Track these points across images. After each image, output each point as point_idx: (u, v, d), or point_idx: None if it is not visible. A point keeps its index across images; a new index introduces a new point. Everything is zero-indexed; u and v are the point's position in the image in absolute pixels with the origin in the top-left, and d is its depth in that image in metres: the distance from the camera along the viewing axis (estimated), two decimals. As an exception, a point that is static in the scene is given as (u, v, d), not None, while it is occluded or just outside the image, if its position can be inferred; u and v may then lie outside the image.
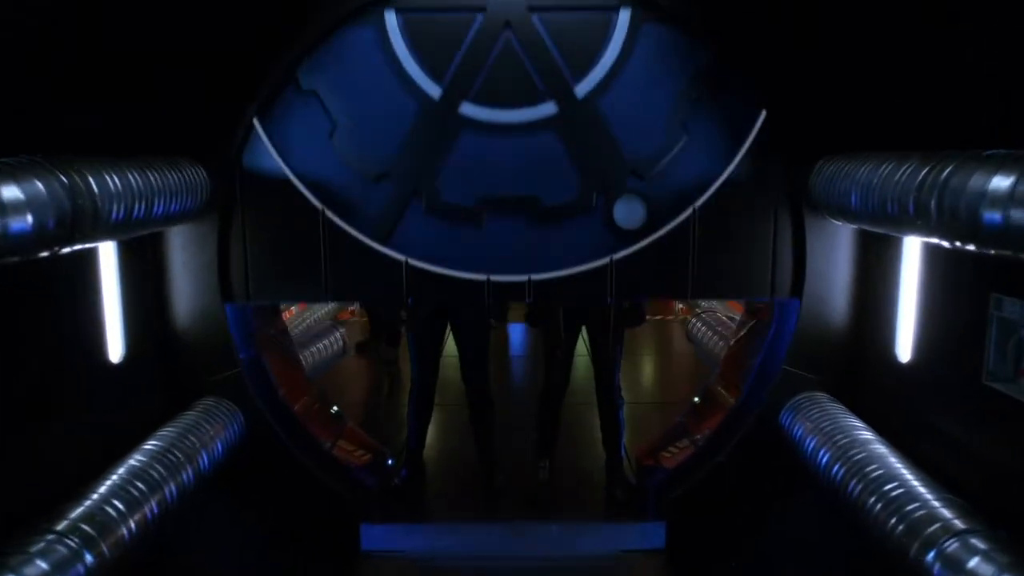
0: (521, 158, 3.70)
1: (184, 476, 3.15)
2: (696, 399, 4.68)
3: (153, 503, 2.87)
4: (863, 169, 3.07)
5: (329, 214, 3.73)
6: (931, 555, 2.48)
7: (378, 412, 6.26)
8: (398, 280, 3.77)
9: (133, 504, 2.77)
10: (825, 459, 3.26)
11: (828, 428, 3.41)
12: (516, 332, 8.79)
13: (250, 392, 3.93)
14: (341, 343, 5.92)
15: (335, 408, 4.70)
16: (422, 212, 3.74)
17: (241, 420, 3.85)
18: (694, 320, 6.07)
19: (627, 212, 3.72)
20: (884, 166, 2.91)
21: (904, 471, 2.89)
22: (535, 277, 3.76)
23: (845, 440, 3.25)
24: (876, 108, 3.43)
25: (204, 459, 3.33)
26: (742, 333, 4.57)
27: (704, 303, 6.97)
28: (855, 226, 3.42)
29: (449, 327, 4.52)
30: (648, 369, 7.56)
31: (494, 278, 3.76)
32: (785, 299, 3.84)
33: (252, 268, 3.79)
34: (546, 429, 4.66)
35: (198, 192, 3.50)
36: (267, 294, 3.91)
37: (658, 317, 10.42)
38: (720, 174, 3.71)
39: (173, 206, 3.25)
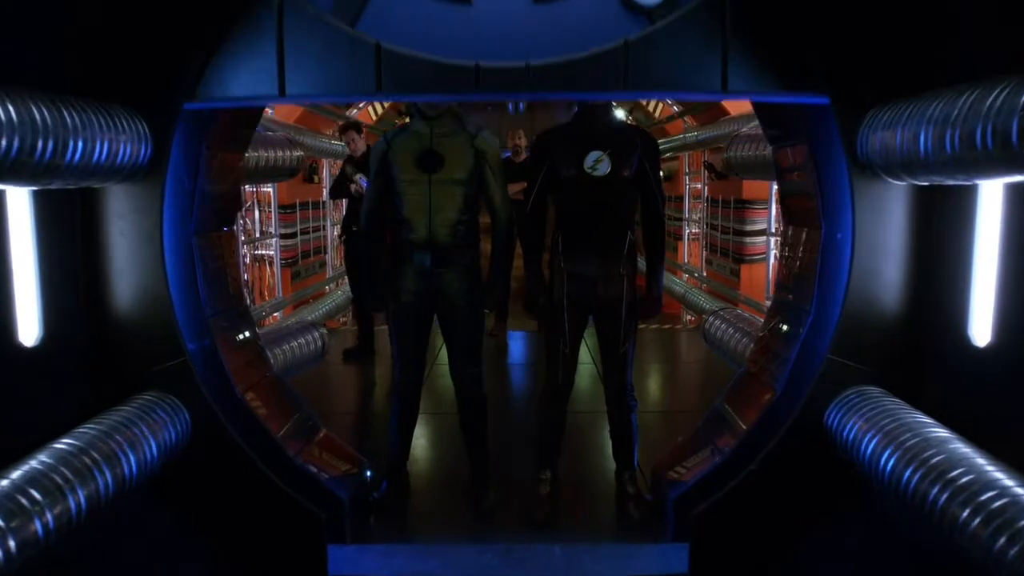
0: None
1: (99, 483, 2.54)
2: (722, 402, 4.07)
3: (49, 515, 2.26)
4: (936, 105, 2.51)
5: None
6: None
7: (367, 423, 5.66)
8: (368, 69, 3.07)
9: (19, 515, 2.17)
10: (890, 464, 2.65)
11: (890, 427, 2.80)
12: (516, 340, 8.21)
13: (199, 386, 3.34)
14: (319, 344, 5.31)
15: (306, 410, 4.09)
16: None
17: (186, 419, 3.25)
18: (711, 319, 5.48)
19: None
20: (966, 96, 2.36)
21: (1002, 476, 2.28)
22: (533, 62, 3.08)
23: (915, 440, 2.64)
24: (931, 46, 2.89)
25: (131, 463, 2.73)
26: (776, 318, 3.97)
27: (712, 308, 6.41)
28: (919, 181, 2.84)
29: (437, 316, 3.92)
30: (655, 378, 6.97)
31: (484, 64, 3.05)
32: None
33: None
34: (548, 437, 4.04)
35: (134, 145, 2.94)
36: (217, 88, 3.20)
37: (666, 326, 9.86)
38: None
39: (99, 155, 2.69)
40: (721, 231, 9.75)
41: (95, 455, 2.59)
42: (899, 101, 2.82)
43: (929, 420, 2.79)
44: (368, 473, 4.03)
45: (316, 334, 5.35)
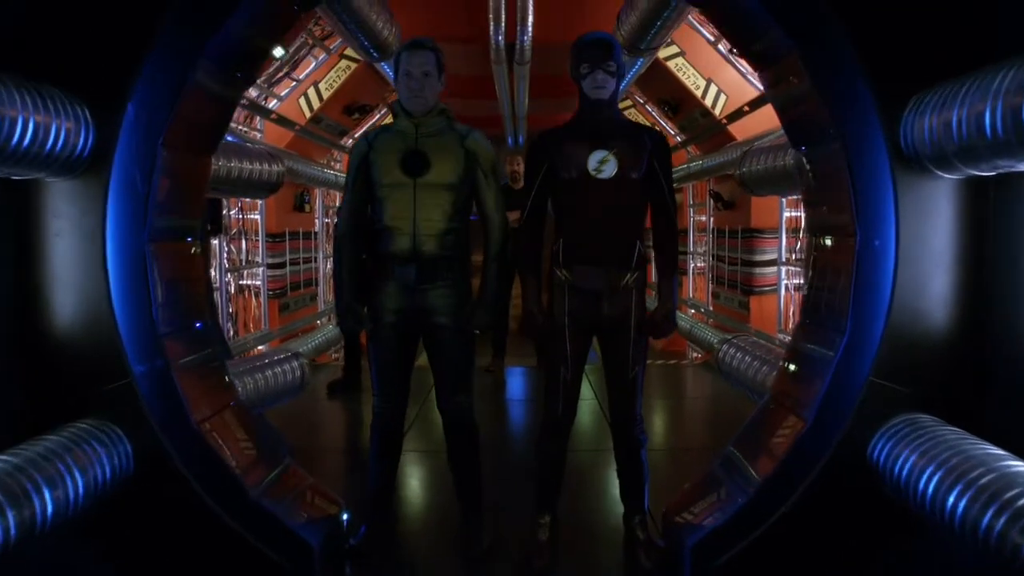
0: None
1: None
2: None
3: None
4: (1006, 75, 2.13)
5: None
6: None
7: (349, 461, 5.18)
8: None
9: None
10: (961, 505, 2.20)
11: (953, 460, 2.36)
12: (514, 375, 7.76)
13: (145, 413, 2.90)
14: (298, 374, 4.87)
15: (276, 444, 3.63)
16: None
17: (127, 451, 2.80)
18: (725, 347, 5.04)
19: None
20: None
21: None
22: None
23: (989, 477, 2.19)
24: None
25: (45, 503, 2.28)
26: (801, 340, 3.53)
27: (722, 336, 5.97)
28: (982, 171, 2.44)
29: (422, 337, 3.49)
30: (661, 414, 6.48)
31: None
32: None
33: None
34: (547, 475, 3.57)
35: (71, 131, 2.56)
36: None
37: (672, 362, 9.41)
38: None
39: (20, 138, 2.30)
40: (728, 262, 9.36)
41: (-1, 493, 2.13)
42: (950, 80, 2.44)
43: (1002, 452, 2.34)
44: (345, 516, 3.56)
45: (295, 364, 4.91)
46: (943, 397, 2.83)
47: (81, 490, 2.44)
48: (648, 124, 7.96)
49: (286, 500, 3.38)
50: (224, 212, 7.57)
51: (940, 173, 2.61)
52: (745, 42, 3.49)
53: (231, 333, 7.83)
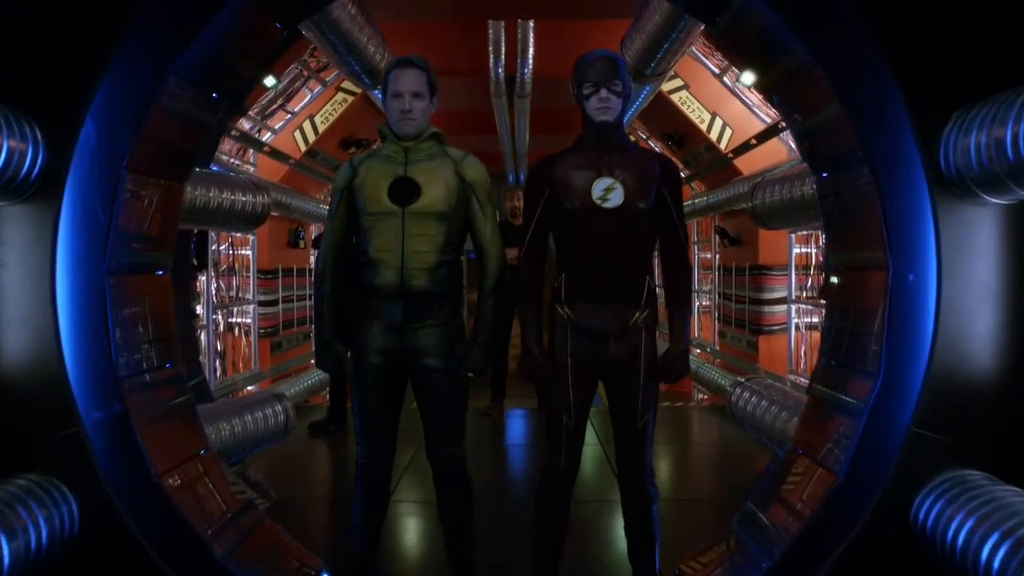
0: None
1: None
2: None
3: None
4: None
5: None
6: None
7: (332, 513, 4.82)
8: None
9: None
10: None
11: (1011, 525, 2.03)
12: (514, 418, 7.41)
13: (95, 467, 2.58)
14: (282, 418, 4.55)
15: (247, 498, 3.30)
16: None
17: (73, 511, 2.48)
18: (738, 390, 4.72)
19: None
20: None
21: None
22: None
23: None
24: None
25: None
26: (825, 384, 3.21)
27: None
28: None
29: (410, 381, 3.18)
30: (666, 460, 6.10)
31: None
32: None
33: None
34: (548, 532, 3.22)
35: (18, 151, 2.29)
36: None
37: (678, 404, 9.05)
38: None
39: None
40: (735, 300, 9.06)
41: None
42: (998, 93, 2.18)
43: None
44: (323, 577, 3.22)
45: (278, 407, 4.59)
46: (993, 449, 2.50)
47: (7, 559, 2.11)
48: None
49: (258, 565, 3.03)
50: (214, 247, 7.33)
51: (987, 197, 2.33)
52: (760, 63, 3.24)
53: (218, 373, 7.52)
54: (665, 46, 3.90)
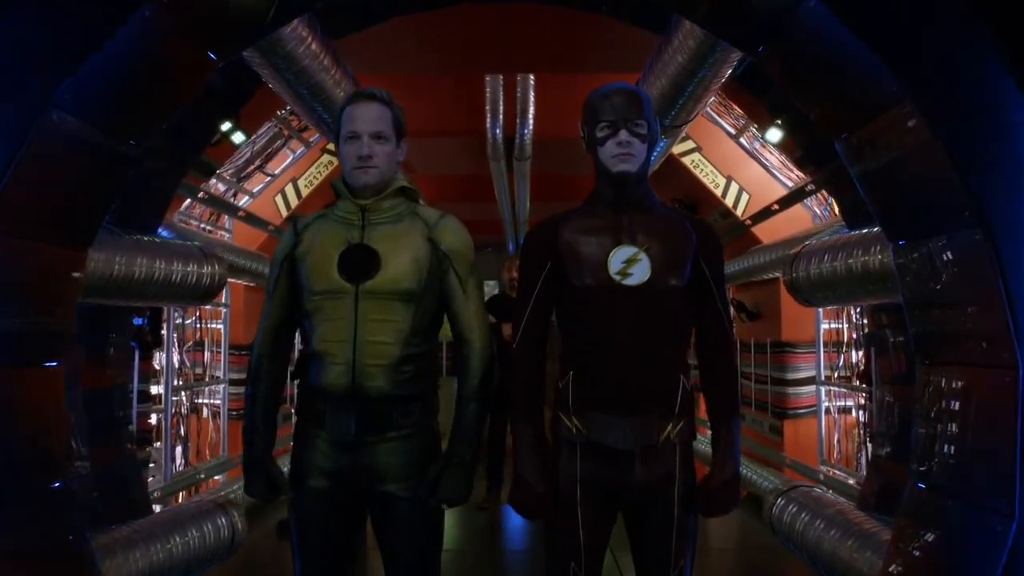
0: None
1: None
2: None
3: None
4: None
5: None
6: None
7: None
8: None
9: None
10: None
11: None
12: (515, 514, 6.50)
13: None
14: (227, 532, 3.73)
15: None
16: None
17: None
18: (782, 501, 3.90)
19: None
20: None
21: None
22: None
23: None
24: None
25: None
26: (917, 516, 2.42)
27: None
28: None
29: (369, 514, 2.41)
30: None
31: None
32: None
33: None
34: None
35: None
36: None
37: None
38: None
39: None
40: (756, 380, 8.26)
41: None
42: None
43: None
44: None
45: (222, 520, 3.76)
46: None
47: None
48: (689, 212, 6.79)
49: None
50: (179, 320, 6.61)
51: None
52: (817, 100, 2.56)
53: (180, 462, 6.70)
54: (689, 89, 3.24)
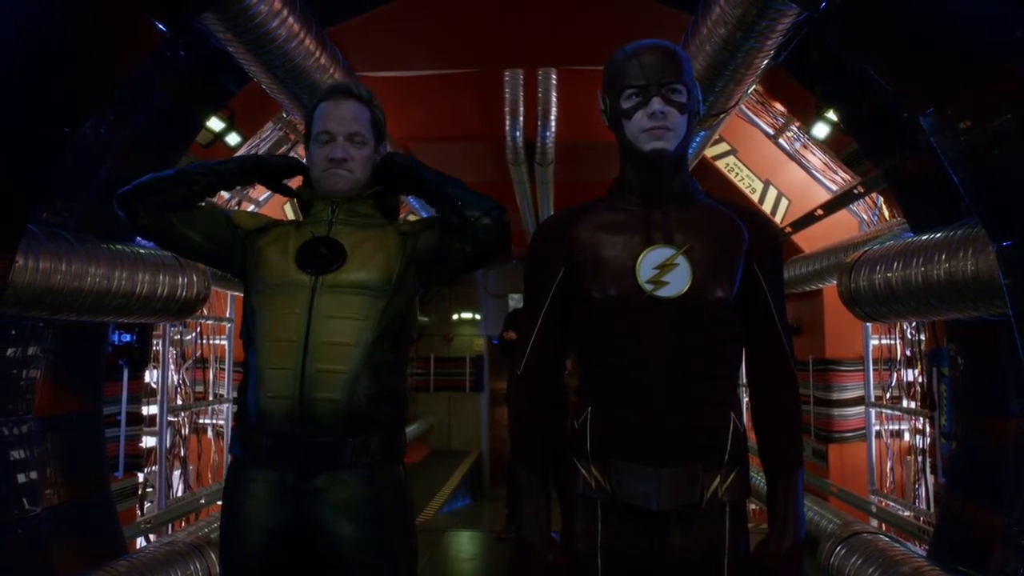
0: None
1: None
2: None
3: None
4: None
5: None
6: None
7: None
8: None
9: None
10: None
11: None
12: None
13: None
14: (202, 580, 3.28)
15: None
16: None
17: None
18: (840, 549, 3.34)
19: None
20: None
21: None
22: None
23: None
24: None
25: None
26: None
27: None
28: None
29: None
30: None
31: None
32: None
33: None
34: None
35: None
36: None
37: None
38: None
39: None
40: (797, 400, 7.69)
41: None
42: None
43: None
44: None
45: (196, 565, 3.31)
46: None
47: None
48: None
49: None
50: (178, 336, 6.23)
51: None
52: (900, 61, 2.04)
53: (178, 487, 6.29)
54: (732, 66, 2.72)
